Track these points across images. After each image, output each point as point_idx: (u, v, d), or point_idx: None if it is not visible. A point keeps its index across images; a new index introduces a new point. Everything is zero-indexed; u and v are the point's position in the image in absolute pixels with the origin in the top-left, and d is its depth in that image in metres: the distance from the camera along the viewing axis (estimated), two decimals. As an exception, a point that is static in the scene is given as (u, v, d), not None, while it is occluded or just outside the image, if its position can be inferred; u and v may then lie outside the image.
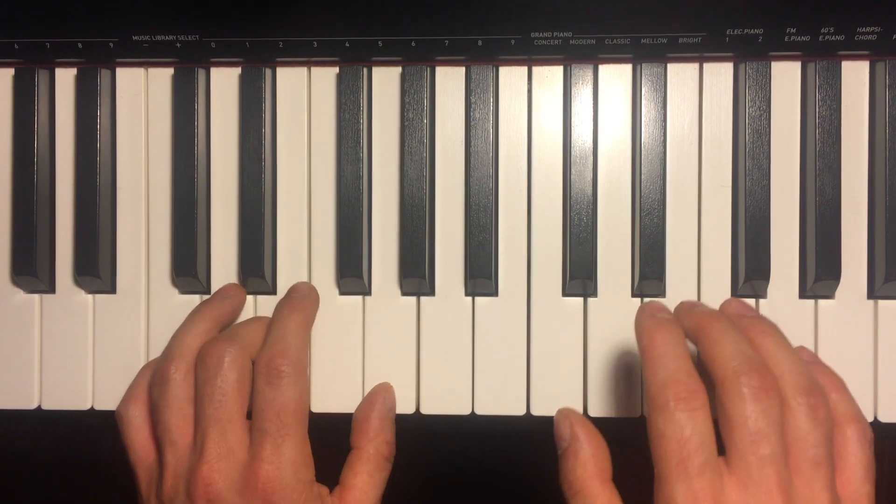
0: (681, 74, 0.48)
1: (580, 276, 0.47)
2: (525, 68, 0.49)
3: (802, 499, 0.36)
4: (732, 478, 0.36)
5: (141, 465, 0.45)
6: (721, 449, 0.37)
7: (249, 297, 0.50)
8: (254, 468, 0.41)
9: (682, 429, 0.36)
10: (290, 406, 0.42)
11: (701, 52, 0.47)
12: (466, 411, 0.48)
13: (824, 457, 0.37)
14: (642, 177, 0.47)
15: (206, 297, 0.49)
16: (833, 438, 0.38)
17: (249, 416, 0.43)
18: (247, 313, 0.49)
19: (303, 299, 0.47)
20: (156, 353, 0.50)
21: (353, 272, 0.48)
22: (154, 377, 0.45)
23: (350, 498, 0.44)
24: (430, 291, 0.49)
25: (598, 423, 0.46)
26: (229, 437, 0.42)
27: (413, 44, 0.47)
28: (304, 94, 0.49)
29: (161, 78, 0.50)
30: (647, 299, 0.48)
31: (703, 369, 0.39)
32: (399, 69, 0.49)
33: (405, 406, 0.49)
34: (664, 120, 0.48)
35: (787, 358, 0.39)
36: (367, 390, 0.49)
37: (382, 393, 0.48)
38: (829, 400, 0.39)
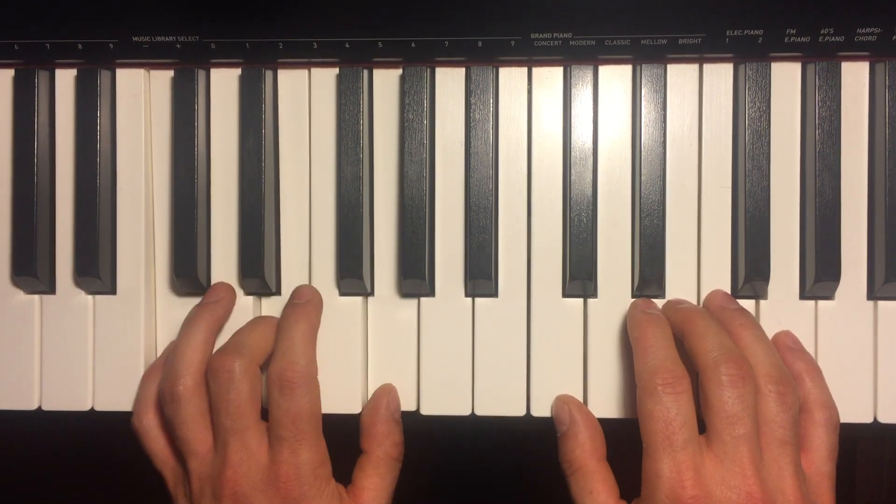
0: (681, 75, 0.48)
1: (580, 276, 0.47)
2: (525, 69, 0.49)
3: (770, 473, 0.41)
4: (710, 453, 0.41)
5: (166, 468, 0.47)
6: (703, 431, 0.42)
7: (250, 299, 0.50)
8: (274, 469, 0.43)
9: (668, 409, 0.41)
10: (304, 413, 0.44)
11: (701, 53, 0.47)
12: (466, 412, 0.48)
13: (791, 437, 0.41)
14: (642, 177, 0.47)
15: (206, 297, 0.49)
16: (803, 420, 0.44)
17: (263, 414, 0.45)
18: (247, 314, 0.49)
19: (307, 305, 0.48)
20: (155, 354, 0.50)
21: (353, 273, 0.48)
22: (163, 395, 0.46)
23: (364, 498, 0.46)
24: (431, 292, 0.49)
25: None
26: (249, 443, 0.44)
27: (413, 45, 0.47)
28: (305, 95, 0.49)
29: (161, 79, 0.50)
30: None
31: (688, 359, 0.43)
32: (399, 70, 0.49)
33: (405, 406, 0.49)
34: (664, 121, 0.48)
35: (762, 349, 0.43)
36: (369, 391, 0.49)
37: (386, 396, 0.48)
38: (803, 386, 0.45)
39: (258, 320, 0.49)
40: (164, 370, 0.47)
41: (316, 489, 0.44)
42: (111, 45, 0.48)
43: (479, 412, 0.48)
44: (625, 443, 0.45)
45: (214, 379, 0.45)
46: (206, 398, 0.45)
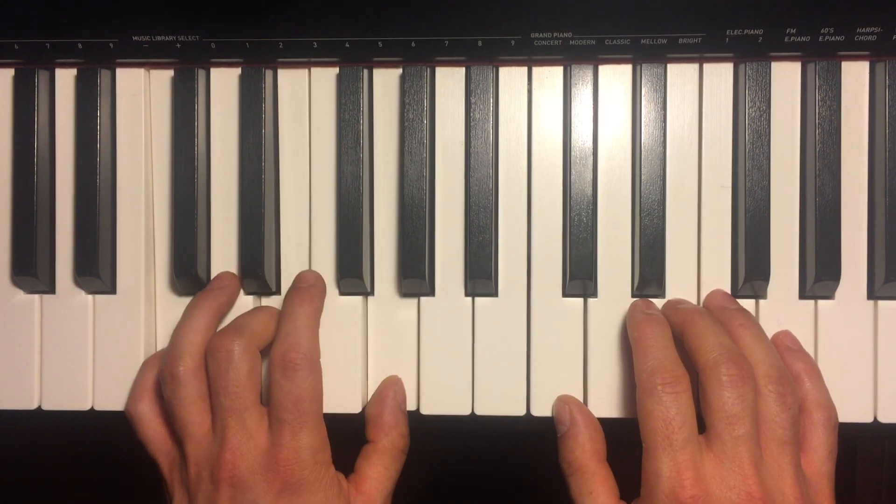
0: (681, 75, 0.48)
1: (580, 276, 0.47)
2: (525, 69, 0.49)
3: (770, 473, 0.41)
4: (710, 453, 0.41)
5: (160, 453, 0.46)
6: (702, 430, 0.42)
7: (250, 298, 0.50)
8: (274, 453, 0.43)
9: (667, 409, 0.41)
10: (305, 396, 0.44)
11: (701, 53, 0.47)
12: (466, 411, 0.48)
13: (790, 437, 0.42)
14: (642, 177, 0.47)
15: (206, 297, 0.49)
16: (802, 421, 0.44)
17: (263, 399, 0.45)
18: (247, 313, 0.49)
19: (310, 289, 0.48)
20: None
21: (353, 273, 0.48)
22: (163, 376, 0.45)
23: (366, 487, 0.46)
24: (430, 292, 0.49)
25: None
26: (248, 425, 0.44)
27: (413, 44, 0.47)
28: (305, 94, 0.49)
29: (161, 78, 0.50)
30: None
31: (688, 359, 0.43)
32: (399, 69, 0.49)
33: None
34: (664, 120, 0.48)
35: (762, 349, 0.44)
36: (369, 391, 0.49)
37: (392, 387, 0.48)
38: (802, 387, 0.45)
39: (259, 308, 0.49)
40: (164, 352, 0.47)
41: (315, 475, 0.43)
42: (111, 45, 0.48)
43: (479, 412, 0.48)
44: (624, 443, 0.45)
45: (213, 358, 0.44)
46: (206, 381, 0.45)
